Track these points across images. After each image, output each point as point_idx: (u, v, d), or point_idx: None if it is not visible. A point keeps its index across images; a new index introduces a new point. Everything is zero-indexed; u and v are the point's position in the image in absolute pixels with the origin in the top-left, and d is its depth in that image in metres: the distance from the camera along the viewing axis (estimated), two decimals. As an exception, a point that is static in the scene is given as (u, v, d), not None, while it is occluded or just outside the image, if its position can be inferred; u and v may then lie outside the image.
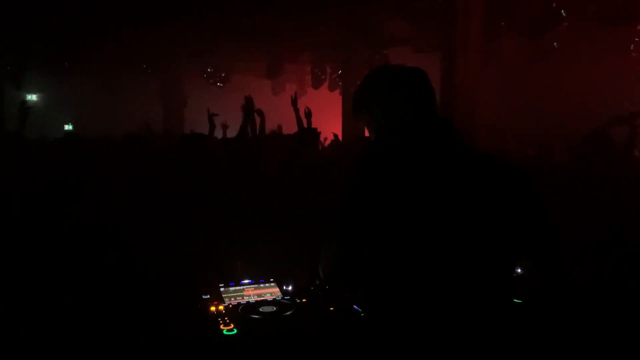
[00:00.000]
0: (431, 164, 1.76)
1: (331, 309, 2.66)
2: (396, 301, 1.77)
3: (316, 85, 13.56)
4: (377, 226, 1.69)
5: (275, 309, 2.58)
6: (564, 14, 7.75)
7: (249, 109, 4.99)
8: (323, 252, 1.81)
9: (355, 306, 2.71)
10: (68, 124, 14.84)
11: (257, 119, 5.35)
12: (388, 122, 1.93)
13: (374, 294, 1.83)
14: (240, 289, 2.83)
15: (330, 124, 12.82)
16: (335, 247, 1.76)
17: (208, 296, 2.70)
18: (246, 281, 2.91)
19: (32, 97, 15.46)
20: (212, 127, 5.32)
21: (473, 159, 1.83)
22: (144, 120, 6.80)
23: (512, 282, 1.86)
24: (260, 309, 2.56)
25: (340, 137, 11.03)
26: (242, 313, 2.52)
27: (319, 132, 4.73)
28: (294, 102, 5.61)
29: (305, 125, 5.51)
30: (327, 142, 8.79)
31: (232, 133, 6.04)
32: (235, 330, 2.34)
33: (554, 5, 7.79)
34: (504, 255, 1.79)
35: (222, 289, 2.79)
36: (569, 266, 2.28)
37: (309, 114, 5.50)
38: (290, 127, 5.91)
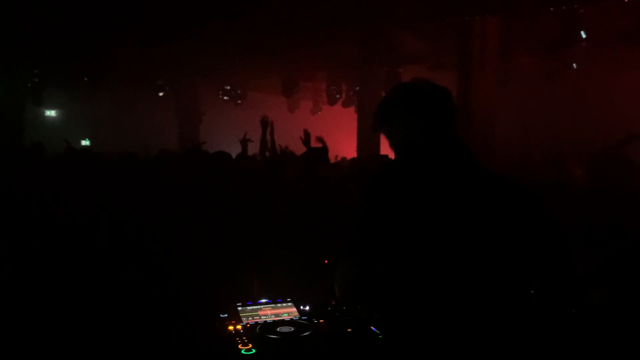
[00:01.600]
0: (442, 186, 1.78)
1: (349, 330, 2.66)
2: (410, 318, 1.79)
3: (331, 102, 13.62)
4: (389, 246, 1.73)
5: (293, 329, 2.58)
6: (583, 36, 7.74)
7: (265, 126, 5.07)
8: (338, 270, 1.84)
9: (373, 328, 2.70)
10: (85, 139, 15.05)
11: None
12: (404, 142, 1.95)
13: (388, 311, 1.88)
14: (257, 309, 2.83)
15: (345, 141, 12.86)
16: (349, 266, 1.79)
17: (226, 315, 2.71)
18: (263, 300, 2.92)
19: (51, 113, 15.72)
20: (245, 150, 5.42)
21: (485, 181, 1.85)
22: (142, 142, 6.85)
23: (522, 303, 1.87)
24: (278, 329, 2.56)
25: (355, 154, 11.09)
26: (260, 333, 2.52)
27: (326, 149, 4.77)
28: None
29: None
30: (339, 159, 8.81)
31: (251, 149, 6.12)
32: (253, 350, 2.34)
33: (570, 23, 7.78)
34: (513, 275, 1.80)
35: (239, 308, 2.80)
36: (585, 289, 2.27)
37: (322, 140, 5.48)
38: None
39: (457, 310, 1.74)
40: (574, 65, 9.28)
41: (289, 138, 7.68)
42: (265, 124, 5.26)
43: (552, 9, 7.53)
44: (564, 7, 7.43)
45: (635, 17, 7.58)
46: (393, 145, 2.04)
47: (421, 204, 1.74)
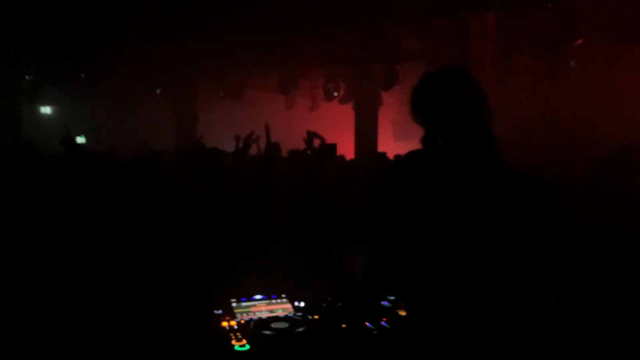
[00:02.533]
0: (460, 178, 1.81)
1: (343, 326, 2.64)
2: (424, 299, 1.85)
3: (328, 98, 13.60)
4: (404, 232, 1.81)
5: (287, 325, 2.56)
6: (581, 33, 7.73)
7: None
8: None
9: (367, 323, 2.69)
10: (81, 136, 15.00)
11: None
12: (429, 131, 1.97)
13: (405, 292, 1.95)
14: (252, 305, 2.81)
15: (343, 139, 12.83)
16: (368, 250, 1.92)
17: (220, 311, 2.69)
18: (258, 297, 2.90)
19: (47, 110, 15.67)
20: (240, 147, 5.39)
21: (507, 176, 1.87)
22: (144, 140, 6.82)
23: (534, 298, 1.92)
24: (273, 325, 2.54)
25: (353, 152, 11.08)
26: (254, 329, 2.51)
27: (335, 145, 4.75)
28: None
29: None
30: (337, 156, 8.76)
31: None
32: (247, 346, 2.33)
33: (568, 20, 7.77)
34: (526, 270, 1.84)
35: (234, 305, 2.78)
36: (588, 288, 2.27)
37: (322, 139, 5.44)
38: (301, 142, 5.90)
39: (470, 299, 1.78)
40: (572, 62, 9.27)
41: (286, 136, 7.66)
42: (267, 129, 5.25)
43: (549, 5, 7.52)
44: (561, 5, 7.42)
45: (632, 15, 7.57)
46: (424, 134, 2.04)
47: (437, 193, 1.79)
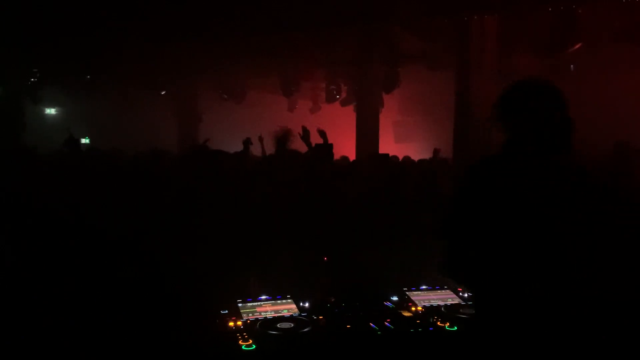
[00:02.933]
0: (539, 181, 1.97)
1: (348, 326, 2.69)
2: (497, 296, 1.99)
3: (329, 100, 13.62)
4: (479, 229, 1.98)
5: (292, 325, 2.60)
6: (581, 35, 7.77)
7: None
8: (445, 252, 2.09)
9: (372, 324, 2.73)
10: (85, 137, 15.02)
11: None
12: (510, 138, 2.12)
13: (478, 289, 2.09)
14: (257, 305, 2.86)
15: (344, 140, 12.87)
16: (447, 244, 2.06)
17: (226, 311, 2.74)
18: (263, 297, 2.94)
19: (51, 111, 15.70)
20: (245, 148, 5.46)
21: (580, 182, 2.03)
22: (146, 141, 6.83)
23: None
24: (278, 325, 2.59)
25: (354, 154, 11.11)
26: (260, 329, 2.55)
27: (332, 145, 4.79)
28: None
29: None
30: (339, 158, 8.80)
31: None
32: (254, 346, 2.37)
33: (568, 22, 7.80)
34: (587, 262, 1.98)
35: (240, 305, 2.82)
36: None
37: (323, 134, 5.48)
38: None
39: (545, 300, 1.91)
40: (572, 66, 9.30)
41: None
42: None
43: (550, 9, 7.55)
44: (562, 7, 7.45)
45: (632, 17, 7.60)
46: (509, 135, 2.17)
47: (516, 194, 1.94)
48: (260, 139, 6.05)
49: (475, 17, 8.07)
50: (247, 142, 5.55)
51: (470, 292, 2.21)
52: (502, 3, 7.73)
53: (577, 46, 7.96)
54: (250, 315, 2.73)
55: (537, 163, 2.01)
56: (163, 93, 13.66)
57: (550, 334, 1.92)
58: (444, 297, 3.23)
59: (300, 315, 2.78)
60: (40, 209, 3.75)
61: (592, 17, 7.89)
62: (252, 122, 13.83)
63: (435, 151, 7.77)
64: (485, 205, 1.97)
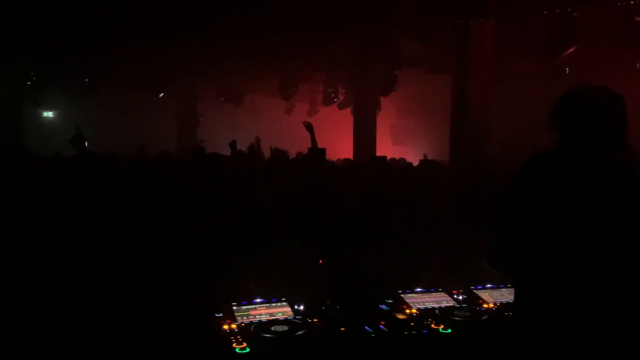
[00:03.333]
0: (591, 180, 2.06)
1: (342, 329, 2.69)
2: (541, 288, 2.07)
3: (327, 103, 13.65)
4: (526, 225, 2.08)
5: (287, 328, 2.61)
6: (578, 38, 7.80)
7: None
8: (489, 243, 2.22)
9: (366, 327, 2.74)
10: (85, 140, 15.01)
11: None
12: (566, 139, 2.21)
13: (522, 280, 2.17)
14: (252, 308, 2.86)
15: (342, 143, 12.89)
16: (497, 240, 2.19)
17: (221, 314, 2.74)
18: (258, 300, 2.95)
19: (49, 115, 15.70)
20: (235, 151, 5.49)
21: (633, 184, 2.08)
22: (145, 143, 6.81)
23: None
24: (273, 328, 2.59)
25: (352, 156, 11.12)
26: (254, 332, 2.56)
27: (324, 150, 4.83)
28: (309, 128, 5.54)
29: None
30: (336, 160, 8.82)
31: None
32: (247, 349, 2.38)
33: (565, 25, 7.83)
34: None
35: (234, 308, 2.83)
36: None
37: (310, 127, 5.45)
38: (302, 145, 5.94)
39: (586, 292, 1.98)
40: (567, 69, 9.33)
41: (286, 140, 7.72)
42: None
43: (545, 12, 7.58)
44: (557, 10, 7.48)
45: (628, 20, 7.63)
46: (561, 136, 2.25)
47: (568, 190, 2.04)
48: (257, 141, 6.08)
49: (473, 20, 8.10)
50: (233, 145, 5.56)
51: (514, 284, 2.26)
52: (500, 6, 7.75)
53: (573, 49, 7.98)
54: (244, 318, 2.74)
55: (595, 161, 2.09)
56: (161, 95, 13.67)
57: (598, 337, 2.00)
58: (438, 300, 3.24)
59: (294, 318, 2.79)
60: (37, 210, 3.75)
61: (589, 19, 7.92)
62: (251, 124, 13.88)
63: (424, 157, 7.77)
64: (543, 201, 2.06)
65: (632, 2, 7.05)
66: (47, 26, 9.09)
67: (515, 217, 2.13)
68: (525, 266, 2.13)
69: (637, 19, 7.62)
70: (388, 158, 7.28)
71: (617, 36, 7.84)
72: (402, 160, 8.45)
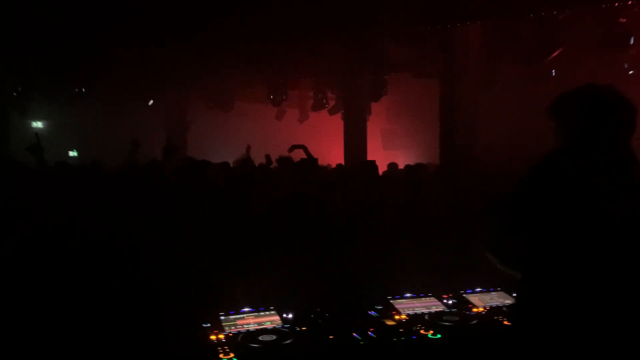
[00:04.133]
0: (595, 177, 2.06)
1: (331, 337, 2.68)
2: (544, 280, 2.09)
3: (317, 108, 13.66)
4: (530, 219, 2.09)
5: (275, 337, 2.59)
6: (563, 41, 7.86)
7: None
8: (488, 232, 2.23)
9: (354, 334, 2.73)
10: (73, 150, 14.94)
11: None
12: (565, 138, 2.21)
13: (526, 272, 2.17)
14: (240, 317, 2.84)
15: (332, 148, 12.90)
16: (498, 223, 2.20)
17: (208, 325, 2.72)
18: (246, 309, 2.93)
19: (38, 124, 15.59)
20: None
21: (620, 180, 2.08)
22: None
23: None
24: (260, 338, 2.57)
25: (342, 160, 11.14)
26: (241, 342, 2.54)
27: (316, 160, 4.84)
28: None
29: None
30: (326, 165, 8.83)
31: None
32: (234, 360, 2.36)
33: (551, 29, 7.89)
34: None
35: (222, 317, 2.81)
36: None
37: (305, 149, 5.45)
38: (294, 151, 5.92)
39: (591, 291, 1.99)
40: (553, 72, 9.39)
41: (276, 146, 7.71)
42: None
43: (531, 15, 7.63)
44: (543, 14, 7.52)
45: (613, 23, 7.70)
46: (560, 135, 2.25)
47: (574, 187, 2.05)
48: (248, 149, 6.07)
49: (459, 25, 8.15)
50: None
51: (514, 277, 2.26)
52: (486, 11, 7.80)
53: (559, 52, 8.04)
54: (232, 328, 2.71)
55: (601, 161, 2.09)
56: (151, 103, 13.62)
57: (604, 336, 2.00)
58: (428, 305, 3.23)
59: (283, 326, 2.77)
60: (21, 221, 3.72)
61: (575, 22, 7.99)
62: (241, 130, 13.86)
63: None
64: (546, 200, 2.07)
65: (616, 4, 7.10)
66: (34, 36, 9.05)
67: (521, 213, 2.13)
68: (527, 265, 2.15)
69: (622, 20, 7.69)
70: (378, 162, 7.30)
71: (603, 38, 7.90)
72: (392, 164, 8.46)
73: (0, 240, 3.46)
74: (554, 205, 2.06)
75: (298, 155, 5.28)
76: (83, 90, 12.59)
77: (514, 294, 2.41)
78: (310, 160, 4.88)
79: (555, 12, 7.54)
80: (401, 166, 7.88)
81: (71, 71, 11.42)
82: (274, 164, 5.93)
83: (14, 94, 12.37)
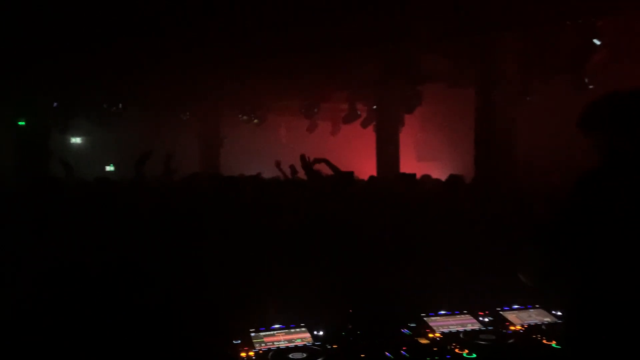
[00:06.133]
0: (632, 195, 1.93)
1: (362, 356, 2.62)
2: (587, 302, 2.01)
3: (349, 121, 13.63)
4: (583, 245, 1.99)
5: (305, 355, 2.55)
6: (597, 42, 7.63)
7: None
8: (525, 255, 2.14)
9: (387, 353, 2.66)
10: (110, 164, 15.31)
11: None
12: (610, 152, 2.09)
13: (569, 295, 2.10)
14: (270, 334, 2.81)
15: (365, 161, 12.83)
16: (536, 250, 2.09)
17: (239, 341, 2.69)
18: (277, 326, 2.90)
19: (77, 140, 16.04)
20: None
21: None
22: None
23: None
24: (290, 356, 2.54)
25: (375, 173, 11.05)
26: (271, 360, 2.50)
27: (352, 173, 4.76)
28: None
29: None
30: (359, 179, 8.75)
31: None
32: (264, 378, 2.32)
33: (589, 36, 7.69)
34: None
35: (252, 334, 2.78)
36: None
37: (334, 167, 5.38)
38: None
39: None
40: (586, 80, 9.14)
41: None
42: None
43: (568, 23, 7.46)
44: (580, 21, 7.35)
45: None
46: (600, 152, 2.14)
47: (622, 208, 1.92)
48: (277, 163, 6.07)
49: (496, 36, 8.03)
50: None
51: (562, 302, 2.20)
52: (521, 21, 7.66)
53: (597, 61, 7.82)
54: (262, 345, 2.68)
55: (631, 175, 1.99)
56: (186, 117, 13.86)
57: None
58: (463, 323, 3.14)
59: (313, 344, 2.72)
60: (61, 236, 3.79)
61: (614, 29, 7.77)
62: (273, 145, 13.95)
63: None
64: (597, 218, 1.97)
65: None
66: (75, 55, 9.31)
67: (571, 240, 2.03)
68: (579, 288, 2.05)
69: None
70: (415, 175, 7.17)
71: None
72: (425, 176, 8.34)
73: (34, 251, 3.53)
74: (607, 228, 1.95)
75: (325, 169, 5.24)
76: (121, 107, 12.91)
77: (554, 311, 2.31)
78: (342, 174, 4.82)
79: (593, 19, 7.36)
80: (434, 177, 7.78)
81: (109, 89, 11.73)
82: (303, 177, 5.90)
83: (54, 110, 12.74)
